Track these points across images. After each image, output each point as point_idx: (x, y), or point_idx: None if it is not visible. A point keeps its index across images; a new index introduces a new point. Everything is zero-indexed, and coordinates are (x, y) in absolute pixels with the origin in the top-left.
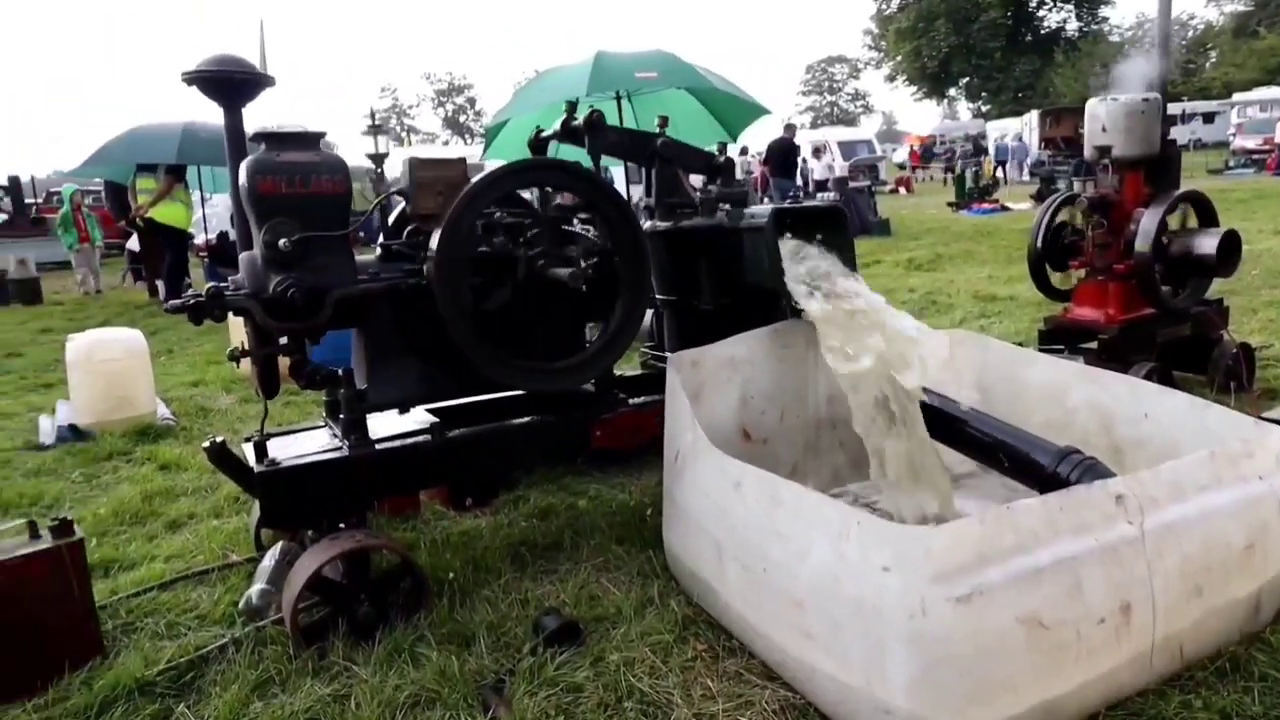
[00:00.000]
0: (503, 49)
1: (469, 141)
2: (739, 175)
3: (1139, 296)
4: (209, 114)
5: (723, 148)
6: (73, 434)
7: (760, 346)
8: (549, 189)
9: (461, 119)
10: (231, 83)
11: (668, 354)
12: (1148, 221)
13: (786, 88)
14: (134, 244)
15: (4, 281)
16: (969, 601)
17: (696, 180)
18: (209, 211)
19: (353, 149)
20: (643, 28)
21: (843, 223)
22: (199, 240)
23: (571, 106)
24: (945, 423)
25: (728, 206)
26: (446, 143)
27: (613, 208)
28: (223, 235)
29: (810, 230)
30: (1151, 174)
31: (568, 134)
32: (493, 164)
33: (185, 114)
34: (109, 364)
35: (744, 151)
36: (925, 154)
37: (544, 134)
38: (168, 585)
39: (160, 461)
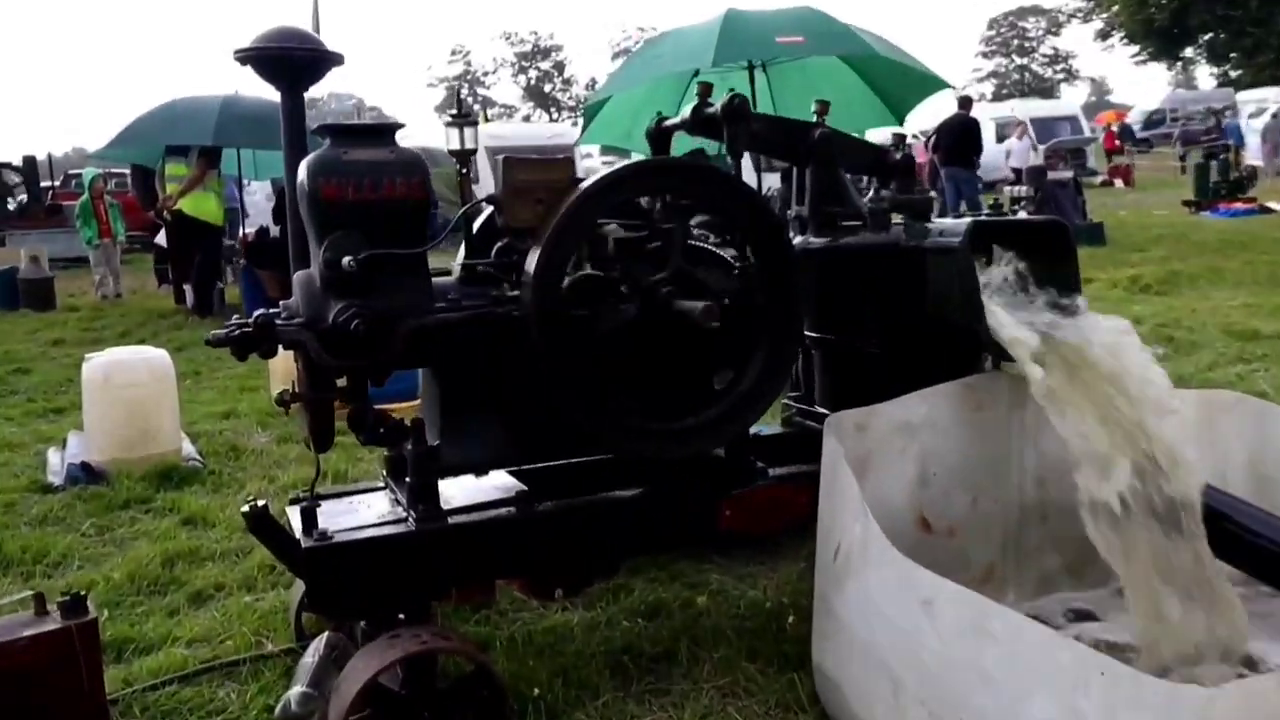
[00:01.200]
0: (599, 3)
1: (555, 116)
2: None
3: None
4: (255, 86)
5: (899, 141)
6: (85, 474)
7: (947, 407)
8: (677, 197)
9: (547, 89)
10: (292, 62)
11: (821, 410)
12: None
13: (959, 48)
14: (162, 239)
15: (14, 281)
16: None
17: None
18: (247, 199)
19: (417, 128)
20: None
21: (1066, 244)
22: (236, 235)
23: (706, 88)
24: (1211, 522)
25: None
26: (528, 117)
27: (758, 221)
28: (262, 231)
29: (1019, 253)
30: None
31: (700, 123)
32: (587, 150)
33: (229, 87)
34: (130, 390)
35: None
36: (1125, 134)
37: (667, 122)
38: (190, 677)
39: (184, 514)
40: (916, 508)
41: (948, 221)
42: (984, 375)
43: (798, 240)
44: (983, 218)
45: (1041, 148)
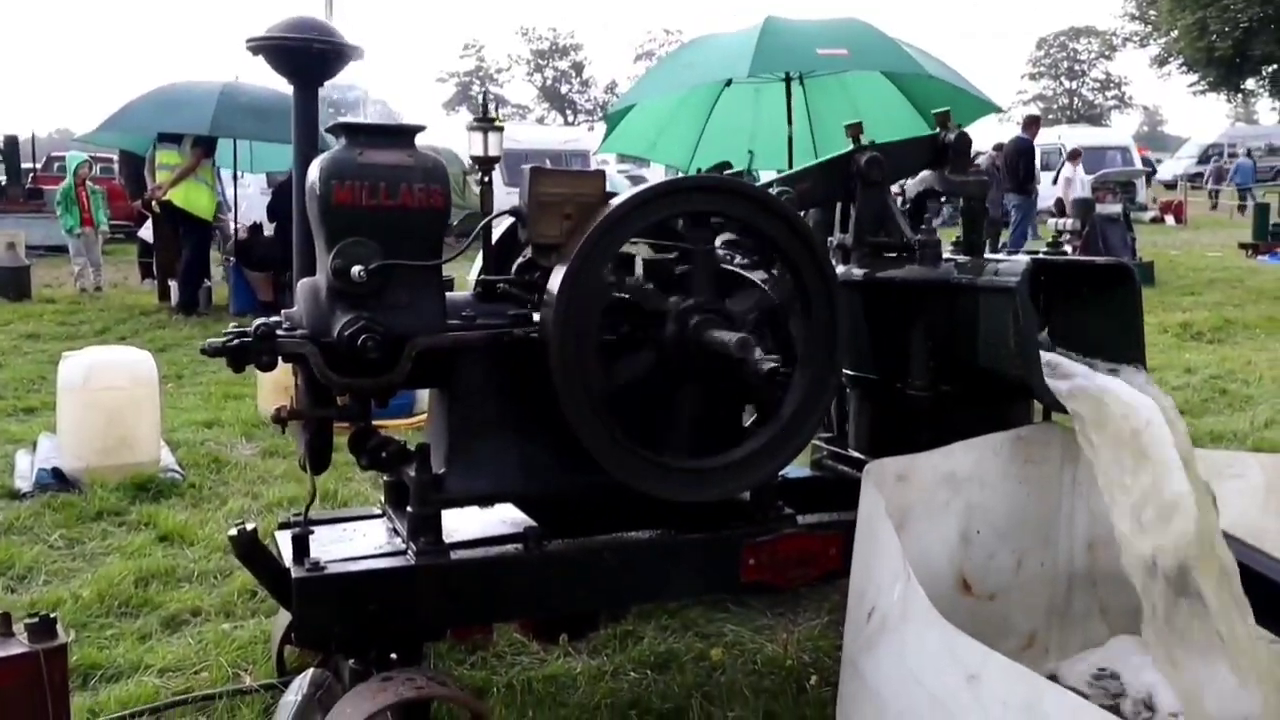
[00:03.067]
0: (623, 3)
1: (570, 119)
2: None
3: None
4: (258, 74)
5: (944, 118)
6: (56, 480)
7: (995, 460)
8: (714, 218)
9: (563, 90)
10: (309, 54)
11: (855, 454)
12: None
13: (1005, 67)
14: (147, 232)
15: None
16: None
17: None
18: (241, 193)
19: (424, 123)
20: None
21: (1130, 288)
22: (229, 231)
23: (723, 169)
24: (1264, 593)
25: (955, 255)
26: (542, 119)
27: (801, 248)
28: (255, 228)
29: (1081, 296)
30: None
31: None
32: (603, 158)
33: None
34: (109, 394)
35: None
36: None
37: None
38: (161, 710)
39: (161, 529)
40: (957, 568)
41: (1005, 260)
42: (1036, 427)
43: (839, 270)
44: (1042, 256)
45: (1088, 178)
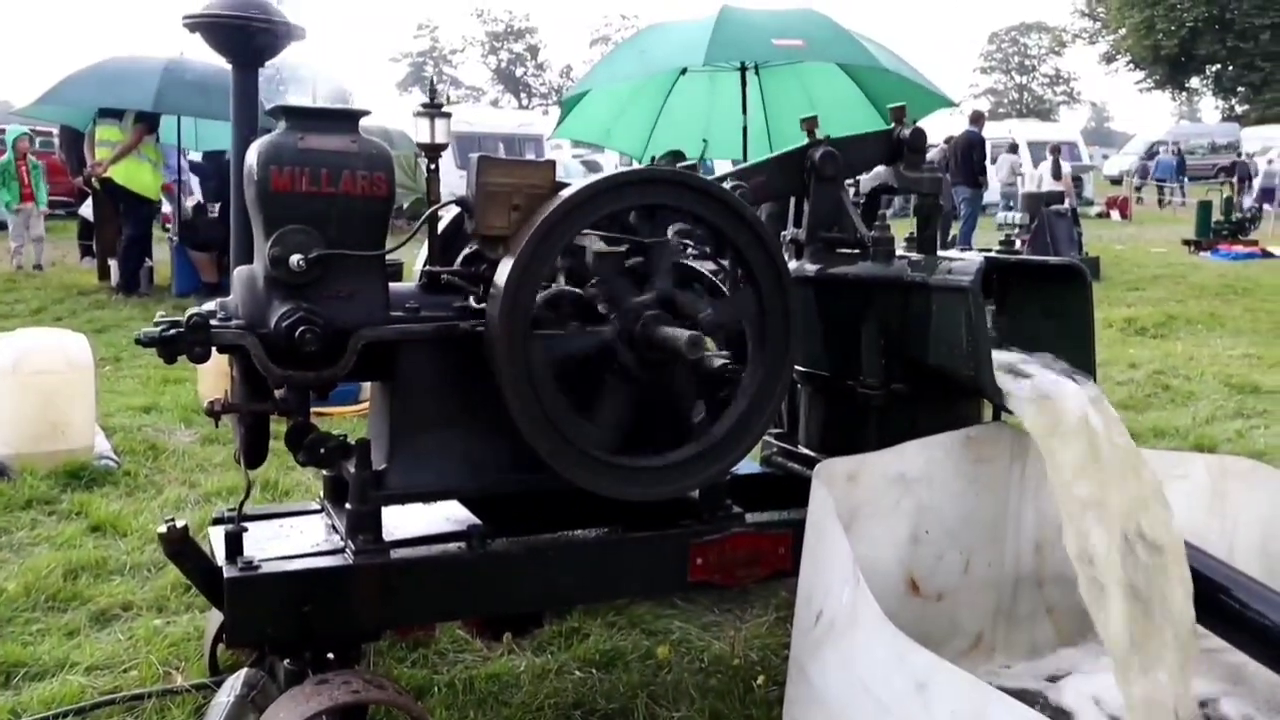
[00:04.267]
0: None
1: (525, 102)
2: None
3: None
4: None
5: (900, 113)
6: None
7: (946, 460)
8: (666, 211)
9: (518, 73)
10: (247, 34)
11: (805, 451)
12: None
13: (958, 61)
14: (87, 210)
15: None
16: None
17: None
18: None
19: (375, 105)
20: None
21: (1082, 290)
22: (169, 210)
23: (676, 158)
24: (1204, 593)
25: (909, 252)
26: (496, 101)
27: (754, 243)
28: (199, 208)
29: (1033, 295)
30: None
31: None
32: (557, 143)
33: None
34: (44, 378)
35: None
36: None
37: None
38: (87, 711)
39: (93, 519)
40: (905, 568)
41: (958, 257)
42: (986, 426)
43: (791, 266)
44: (994, 255)
45: (1038, 171)
